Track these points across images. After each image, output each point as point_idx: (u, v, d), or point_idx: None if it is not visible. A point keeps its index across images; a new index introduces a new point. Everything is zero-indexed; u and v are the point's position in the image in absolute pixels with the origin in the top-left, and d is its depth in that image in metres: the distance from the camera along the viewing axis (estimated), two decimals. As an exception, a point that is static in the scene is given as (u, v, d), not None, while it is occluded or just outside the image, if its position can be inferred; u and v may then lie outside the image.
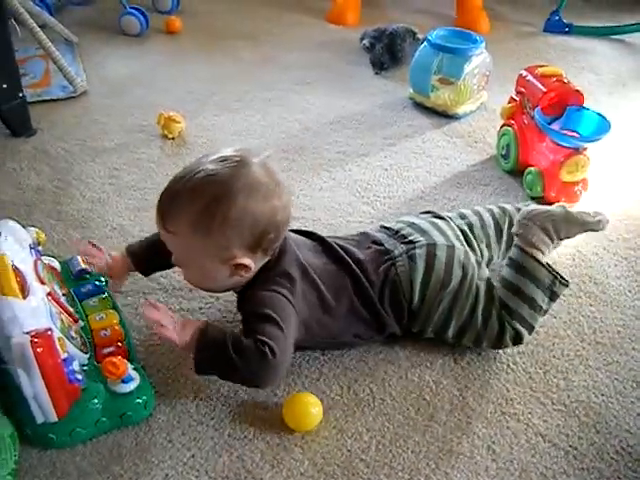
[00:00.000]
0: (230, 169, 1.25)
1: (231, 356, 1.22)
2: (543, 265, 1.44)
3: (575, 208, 1.57)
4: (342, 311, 1.38)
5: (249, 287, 1.35)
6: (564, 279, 1.44)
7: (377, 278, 1.42)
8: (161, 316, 1.25)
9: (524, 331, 1.43)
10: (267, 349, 1.21)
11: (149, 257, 1.50)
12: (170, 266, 1.47)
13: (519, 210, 1.59)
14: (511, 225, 1.57)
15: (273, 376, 1.27)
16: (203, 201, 1.23)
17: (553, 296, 1.44)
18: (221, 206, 1.23)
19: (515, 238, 1.50)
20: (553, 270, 1.44)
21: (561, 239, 1.50)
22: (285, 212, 1.30)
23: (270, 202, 1.26)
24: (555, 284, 1.43)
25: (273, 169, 1.31)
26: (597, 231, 1.54)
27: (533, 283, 1.43)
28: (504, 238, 1.60)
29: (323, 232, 1.57)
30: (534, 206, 1.54)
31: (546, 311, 1.46)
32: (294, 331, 1.30)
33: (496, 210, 1.64)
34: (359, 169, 2.11)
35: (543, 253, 1.46)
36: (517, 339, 1.43)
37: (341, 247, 1.45)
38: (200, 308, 1.56)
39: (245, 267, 1.28)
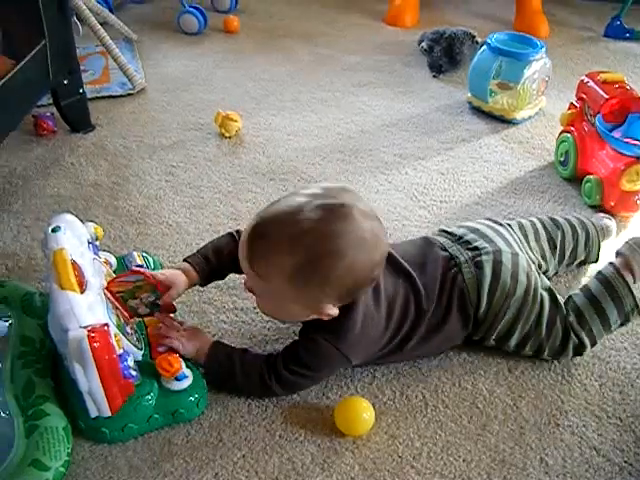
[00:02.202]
0: (336, 222, 1.18)
1: (237, 376, 1.33)
2: (631, 291, 1.44)
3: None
4: (403, 341, 1.37)
5: (314, 324, 1.31)
6: None
7: (444, 288, 1.40)
8: (166, 331, 1.36)
9: (588, 343, 1.42)
10: (275, 382, 1.32)
11: (214, 268, 1.46)
12: (225, 275, 1.51)
13: (570, 224, 1.62)
14: (564, 237, 1.59)
15: (267, 396, 1.37)
16: (305, 255, 1.17)
17: (625, 322, 1.45)
18: (325, 263, 1.18)
19: (615, 256, 1.52)
20: (636, 299, 1.44)
21: None
22: (382, 265, 1.27)
23: (372, 258, 1.22)
24: (633, 312, 1.44)
25: (372, 214, 1.24)
26: None
27: (614, 303, 1.43)
28: (558, 251, 1.59)
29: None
30: None
31: (609, 334, 1.47)
32: (327, 375, 1.38)
33: (547, 221, 1.62)
34: (415, 172, 2.10)
35: (635, 281, 1.47)
36: (579, 350, 1.43)
37: (407, 260, 1.41)
38: (254, 307, 1.55)
39: (329, 314, 1.26)
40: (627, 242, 1.53)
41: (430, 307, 1.38)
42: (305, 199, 1.21)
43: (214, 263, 1.45)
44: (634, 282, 1.47)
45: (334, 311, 1.25)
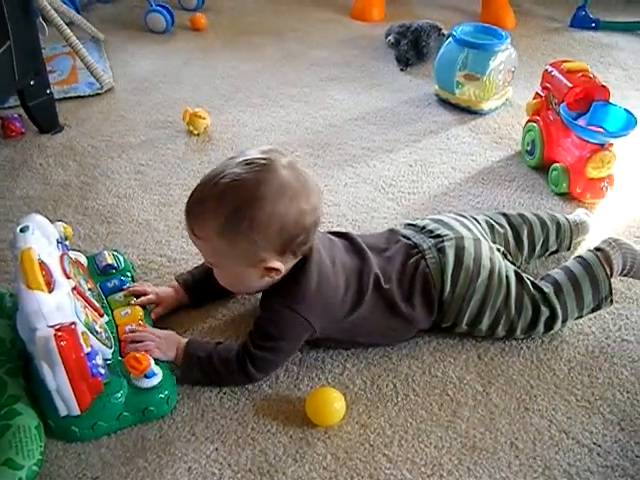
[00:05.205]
0: (256, 173, 1.24)
1: (217, 369, 1.34)
2: (608, 278, 1.48)
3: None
4: (364, 314, 1.38)
5: (271, 293, 1.36)
6: (612, 300, 1.49)
7: (407, 273, 1.43)
8: (143, 339, 1.35)
9: (560, 314, 1.45)
10: (250, 367, 1.33)
11: (200, 285, 1.51)
12: (223, 296, 1.55)
13: (539, 217, 1.64)
14: (532, 230, 1.61)
15: (249, 382, 1.38)
16: (229, 207, 1.23)
17: (596, 308, 1.49)
18: (247, 211, 1.22)
19: (594, 250, 1.54)
20: (612, 290, 1.48)
21: (626, 275, 1.55)
22: (314, 214, 1.29)
23: (297, 205, 1.25)
24: (606, 300, 1.48)
25: (301, 170, 1.29)
26: None
27: (592, 286, 1.47)
28: (526, 245, 1.61)
29: (348, 228, 1.59)
30: (622, 239, 1.56)
31: (580, 317, 1.50)
32: (295, 347, 1.38)
33: (514, 217, 1.63)
34: (384, 165, 2.11)
35: (612, 274, 1.50)
36: (550, 323, 1.46)
37: (369, 246, 1.45)
38: (233, 302, 1.58)
39: (275, 270, 1.29)
40: (607, 240, 1.55)
41: (392, 287, 1.40)
42: (229, 161, 1.29)
43: (199, 278, 1.51)
44: (612, 275, 1.50)
45: (277, 265, 1.28)
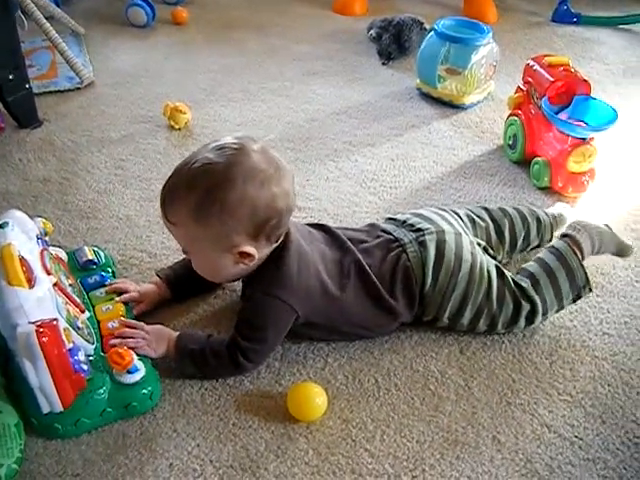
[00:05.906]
0: (227, 157, 1.25)
1: (209, 361, 1.34)
2: (582, 266, 1.48)
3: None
4: (347, 301, 1.38)
5: (251, 281, 1.37)
6: (591, 288, 1.49)
7: (388, 265, 1.43)
8: (133, 335, 1.35)
9: (540, 308, 1.45)
10: (242, 359, 1.34)
11: (182, 280, 1.52)
12: (205, 290, 1.55)
13: (520, 212, 1.64)
14: (513, 225, 1.61)
15: (242, 373, 1.38)
16: (200, 190, 1.23)
17: (576, 298, 1.50)
18: (218, 194, 1.23)
19: (563, 237, 1.55)
20: (588, 278, 1.49)
21: (596, 254, 1.57)
22: (286, 198, 1.29)
23: (268, 188, 1.25)
24: (584, 288, 1.49)
25: (273, 154, 1.30)
26: (625, 256, 1.64)
27: (567, 276, 1.47)
28: (508, 239, 1.61)
29: (329, 222, 1.58)
30: (585, 219, 1.59)
31: (561, 309, 1.50)
32: (282, 334, 1.37)
33: (495, 212, 1.64)
34: (365, 159, 2.11)
35: (583, 257, 1.51)
36: (531, 317, 1.46)
37: (349, 238, 1.46)
38: (223, 288, 1.59)
39: (249, 255, 1.29)
40: (572, 225, 1.56)
41: (373, 279, 1.40)
42: (202, 148, 1.31)
43: (180, 272, 1.52)
44: (583, 259, 1.50)
45: (251, 250, 1.28)
